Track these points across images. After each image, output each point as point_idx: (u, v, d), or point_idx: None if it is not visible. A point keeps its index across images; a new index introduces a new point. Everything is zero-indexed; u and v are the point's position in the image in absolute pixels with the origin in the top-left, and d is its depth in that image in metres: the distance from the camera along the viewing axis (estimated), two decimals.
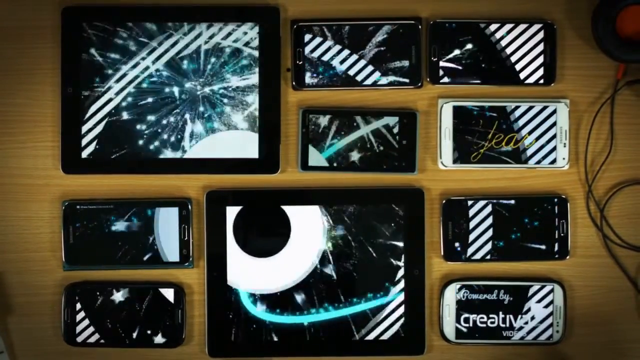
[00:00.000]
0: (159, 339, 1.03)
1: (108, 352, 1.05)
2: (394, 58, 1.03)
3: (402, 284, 1.03)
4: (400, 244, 1.03)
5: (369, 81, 1.04)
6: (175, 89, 1.03)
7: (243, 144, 1.03)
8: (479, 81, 1.03)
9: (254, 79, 1.03)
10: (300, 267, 1.04)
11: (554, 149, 1.03)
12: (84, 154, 1.03)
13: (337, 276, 1.03)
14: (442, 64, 1.03)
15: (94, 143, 1.03)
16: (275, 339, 1.03)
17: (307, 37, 1.03)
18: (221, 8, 1.03)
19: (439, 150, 1.03)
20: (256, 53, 1.03)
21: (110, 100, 1.03)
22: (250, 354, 1.04)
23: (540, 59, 1.03)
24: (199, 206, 1.04)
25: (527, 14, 1.04)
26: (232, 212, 1.03)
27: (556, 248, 1.03)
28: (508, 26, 1.03)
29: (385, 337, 1.03)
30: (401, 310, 1.03)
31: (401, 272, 1.03)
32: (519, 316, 1.03)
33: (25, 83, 1.04)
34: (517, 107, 1.03)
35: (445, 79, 1.03)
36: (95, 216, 1.03)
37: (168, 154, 1.03)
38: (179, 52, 1.03)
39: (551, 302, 1.03)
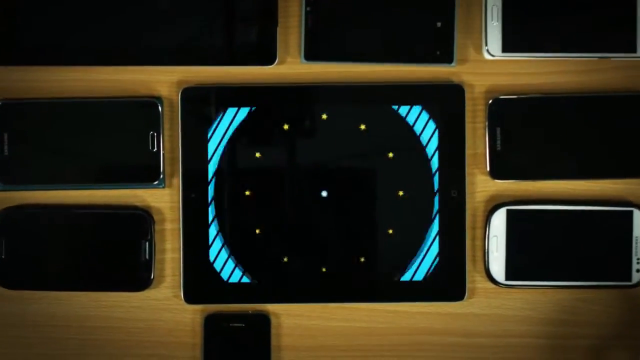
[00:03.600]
0: (119, 279, 0.91)
1: (55, 296, 0.92)
2: None
3: (436, 209, 0.90)
4: (434, 156, 0.90)
5: None
6: None
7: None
8: None
9: None
10: None
11: (634, 33, 0.88)
12: (22, 40, 0.89)
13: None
14: None
15: (35, 27, 0.89)
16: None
17: None
18: None
19: (484, 35, 0.89)
20: None
21: None
22: (238, 300, 0.90)
23: None
24: (172, 107, 0.90)
25: None
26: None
27: (634, 161, 0.90)
28: None
29: (415, 278, 0.90)
30: (435, 243, 0.90)
31: (435, 194, 0.89)
32: (587, 250, 0.90)
33: None
34: None
35: None
36: (37, 119, 0.89)
37: (131, 40, 0.89)
38: None
39: (629, 232, 0.90)
